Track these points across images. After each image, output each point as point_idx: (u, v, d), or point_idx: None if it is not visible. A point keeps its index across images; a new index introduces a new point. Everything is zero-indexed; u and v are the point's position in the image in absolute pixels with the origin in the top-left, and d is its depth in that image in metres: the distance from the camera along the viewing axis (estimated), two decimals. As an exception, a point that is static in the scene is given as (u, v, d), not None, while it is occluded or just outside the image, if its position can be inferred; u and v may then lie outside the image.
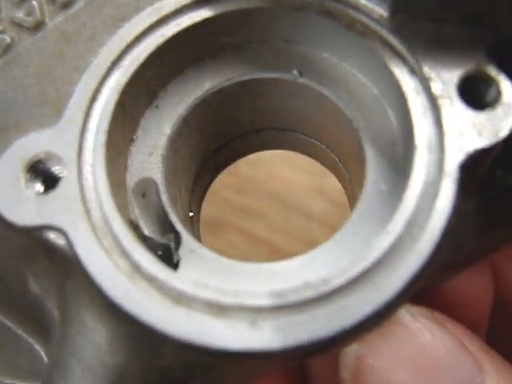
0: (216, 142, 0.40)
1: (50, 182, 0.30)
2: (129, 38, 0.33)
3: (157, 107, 0.35)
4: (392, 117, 0.33)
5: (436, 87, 0.29)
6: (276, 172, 0.64)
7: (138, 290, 0.28)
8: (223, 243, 0.68)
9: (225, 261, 0.31)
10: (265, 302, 0.27)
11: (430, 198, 0.28)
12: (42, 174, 0.31)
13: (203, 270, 0.31)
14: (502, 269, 0.44)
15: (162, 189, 0.33)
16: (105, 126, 0.31)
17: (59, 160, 0.30)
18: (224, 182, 0.59)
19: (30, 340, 0.39)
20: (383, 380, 0.31)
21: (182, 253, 0.32)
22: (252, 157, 0.45)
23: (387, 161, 0.32)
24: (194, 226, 0.38)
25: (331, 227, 0.66)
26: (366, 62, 0.32)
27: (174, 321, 0.27)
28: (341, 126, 0.35)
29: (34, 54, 0.35)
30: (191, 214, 0.38)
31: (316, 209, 0.66)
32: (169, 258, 0.32)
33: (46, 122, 0.32)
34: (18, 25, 0.36)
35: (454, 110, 0.29)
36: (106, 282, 0.28)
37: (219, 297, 0.28)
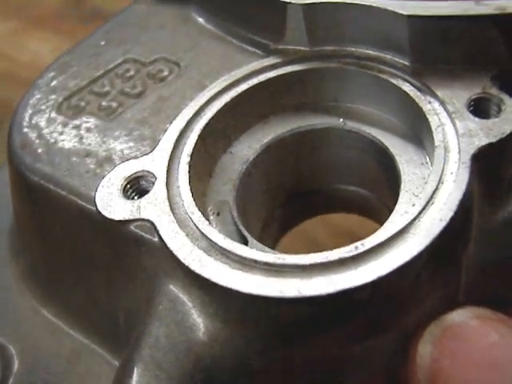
0: (281, 196, 0.48)
1: (144, 191, 0.40)
2: (210, 94, 0.44)
3: (231, 153, 0.44)
4: (419, 142, 0.42)
5: (450, 107, 0.39)
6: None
7: (213, 260, 0.35)
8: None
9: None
10: (313, 261, 0.34)
11: (449, 181, 0.36)
12: (138, 186, 0.40)
13: None
14: None
15: (233, 207, 0.42)
16: (189, 151, 0.41)
17: (152, 175, 0.40)
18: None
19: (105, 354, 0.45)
20: (459, 378, 0.34)
21: None
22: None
23: (417, 177, 0.41)
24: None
25: (331, 226, 0.73)
26: (394, 101, 0.42)
27: (240, 280, 0.34)
28: (379, 160, 0.44)
29: (136, 112, 0.45)
30: None
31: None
32: None
33: (143, 152, 0.42)
34: (125, 94, 0.46)
35: (465, 120, 0.38)
36: (185, 256, 0.36)
37: (275, 260, 0.35)
